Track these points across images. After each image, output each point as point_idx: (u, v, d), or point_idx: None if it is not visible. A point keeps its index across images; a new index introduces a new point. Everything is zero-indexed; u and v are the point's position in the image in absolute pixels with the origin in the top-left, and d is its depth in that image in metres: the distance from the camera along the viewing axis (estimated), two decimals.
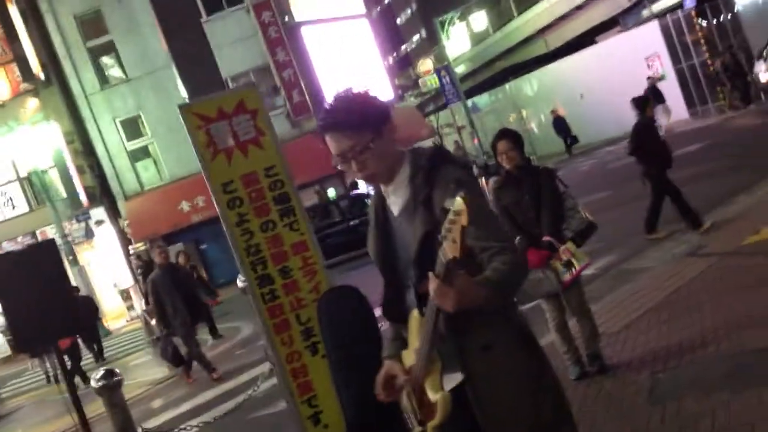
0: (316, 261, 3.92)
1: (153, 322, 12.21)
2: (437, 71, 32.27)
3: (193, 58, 4.53)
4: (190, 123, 3.80)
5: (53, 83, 25.75)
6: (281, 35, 25.21)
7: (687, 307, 6.19)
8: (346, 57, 26.58)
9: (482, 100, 38.01)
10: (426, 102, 37.18)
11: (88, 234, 25.36)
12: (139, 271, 21.20)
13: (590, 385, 5.32)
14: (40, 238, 25.57)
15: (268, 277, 3.84)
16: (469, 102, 33.73)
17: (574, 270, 5.27)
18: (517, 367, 2.37)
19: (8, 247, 26.84)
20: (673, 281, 7.08)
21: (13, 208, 26.49)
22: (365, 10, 29.19)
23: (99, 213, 25.39)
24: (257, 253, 3.80)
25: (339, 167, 2.48)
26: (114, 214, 25.58)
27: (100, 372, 4.74)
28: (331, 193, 23.81)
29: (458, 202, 2.07)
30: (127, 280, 23.79)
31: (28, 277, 3.77)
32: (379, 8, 63.19)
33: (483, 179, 21.64)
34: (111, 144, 25.73)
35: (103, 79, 26.33)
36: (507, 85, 35.77)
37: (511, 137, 5.47)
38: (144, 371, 14.16)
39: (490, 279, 2.25)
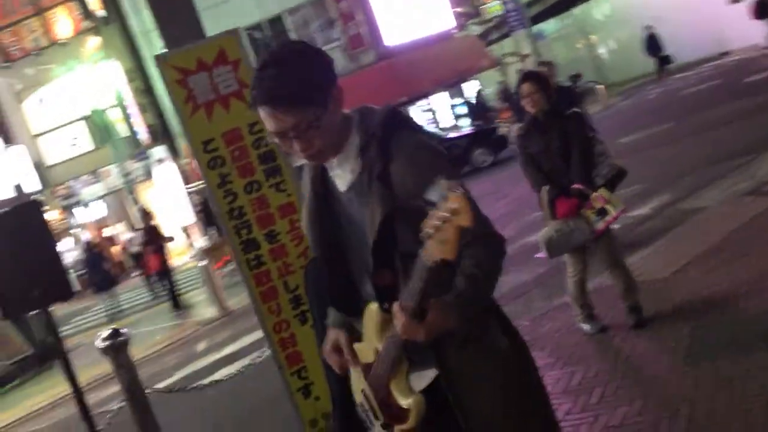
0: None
1: None
2: None
3: None
4: (168, 76, 3.51)
5: (113, 21, 25.79)
6: None
7: (738, 252, 5.77)
8: None
9: (548, 26, 36.57)
10: (489, 30, 35.99)
11: (148, 173, 25.67)
12: (198, 208, 21.41)
13: (625, 340, 5.01)
14: (102, 177, 26.07)
15: (253, 242, 3.57)
16: (534, 29, 32.50)
17: (608, 217, 4.94)
18: (501, 364, 2.06)
19: (73, 185, 27.53)
20: (728, 223, 6.62)
21: (77, 146, 26.96)
22: None
23: (159, 152, 25.62)
24: (241, 217, 3.53)
25: (277, 145, 2.11)
26: (174, 152, 25.80)
27: (107, 331, 4.63)
28: None
29: (454, 197, 1.69)
30: (187, 218, 24.08)
31: (11, 241, 3.61)
32: None
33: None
34: None
35: None
36: (575, 10, 34.29)
37: (536, 79, 5.14)
38: (198, 310, 14.34)
39: (464, 295, 1.93)
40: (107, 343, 4.53)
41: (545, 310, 6.17)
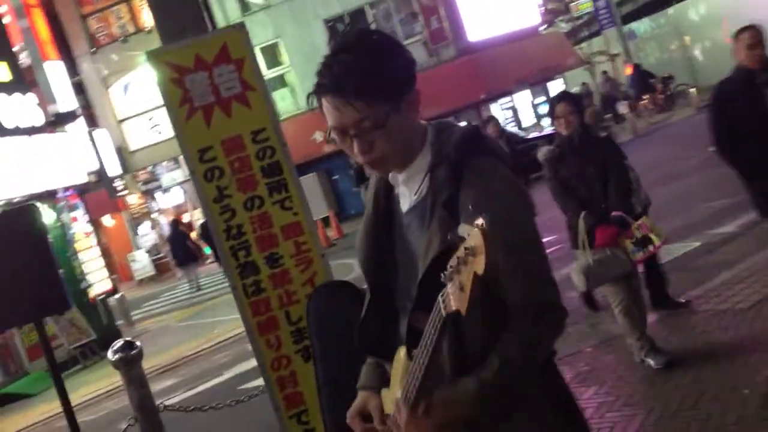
0: (311, 248, 3.14)
1: None
2: None
3: None
4: (162, 74, 3.09)
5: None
6: None
7: None
8: None
9: (641, 26, 35.19)
10: (578, 28, 34.89)
11: None
12: None
13: (698, 379, 4.48)
14: (181, 164, 26.34)
15: (252, 266, 3.13)
16: (625, 28, 31.32)
17: (651, 247, 4.74)
18: None
19: (153, 171, 27.95)
20: None
21: (159, 133, 27.30)
22: None
23: None
24: (239, 236, 3.10)
25: (333, 143, 1.79)
26: None
27: (118, 343, 4.32)
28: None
29: (475, 234, 1.39)
30: None
31: (5, 247, 3.32)
32: None
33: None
34: None
35: (245, 6, 26.28)
36: (670, 10, 32.85)
37: (571, 100, 4.94)
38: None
39: (491, 383, 1.60)
40: (118, 356, 4.22)
41: (612, 335, 5.61)
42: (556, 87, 27.72)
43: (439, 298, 1.49)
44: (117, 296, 17.29)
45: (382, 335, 1.87)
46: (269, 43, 25.62)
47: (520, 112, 26.11)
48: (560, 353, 1.87)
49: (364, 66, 1.67)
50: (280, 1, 25.50)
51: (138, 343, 4.30)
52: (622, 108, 25.03)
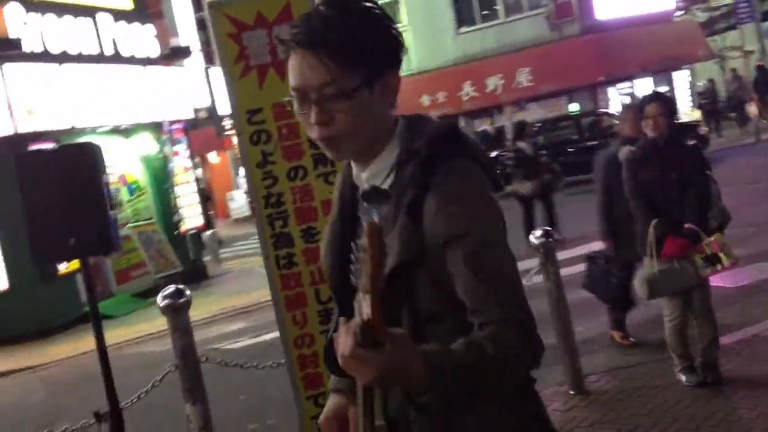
0: None
1: None
2: None
3: None
4: (220, 27, 2.96)
5: None
6: None
7: None
8: None
9: None
10: (715, 19, 33.05)
11: None
12: None
13: (728, 400, 4.51)
14: None
15: (287, 237, 3.00)
16: (766, 25, 29.49)
17: (719, 266, 4.55)
18: None
19: None
20: None
21: None
22: None
23: None
24: (278, 205, 2.98)
25: (289, 107, 1.59)
26: None
27: (169, 289, 4.31)
28: (574, 107, 22.08)
29: (366, 228, 1.23)
30: None
31: (59, 182, 3.32)
32: None
33: None
34: None
35: None
36: None
37: (664, 101, 4.70)
38: None
39: (453, 357, 1.34)
40: (167, 302, 4.21)
41: None
42: (681, 78, 26.47)
43: (355, 305, 1.34)
44: (209, 233, 17.72)
45: None
46: (390, 0, 25.40)
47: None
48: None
49: (346, 23, 1.49)
50: None
51: (188, 293, 4.27)
52: (751, 109, 23.65)
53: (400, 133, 1.59)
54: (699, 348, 4.84)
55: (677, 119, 4.90)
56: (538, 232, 5.39)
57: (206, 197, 19.36)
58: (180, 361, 4.30)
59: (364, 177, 1.61)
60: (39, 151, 3.35)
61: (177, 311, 4.23)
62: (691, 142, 4.93)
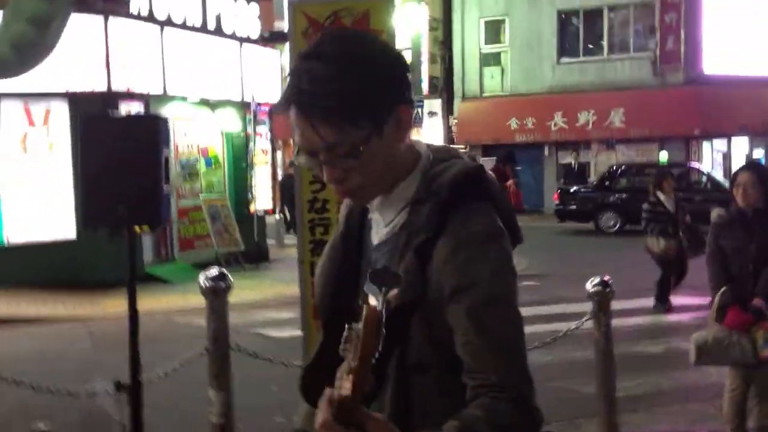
0: None
1: None
2: None
3: None
4: (297, 24, 2.90)
5: None
6: None
7: None
8: (748, 12, 23.18)
9: None
10: None
11: (417, 121, 25.89)
12: None
13: None
14: None
15: (325, 246, 2.93)
16: None
17: None
18: None
19: None
20: None
21: None
22: None
23: (434, 105, 25.71)
24: (322, 212, 2.92)
25: (299, 163, 1.49)
26: (447, 110, 25.74)
27: (213, 271, 4.34)
28: (664, 156, 21.52)
29: (366, 310, 1.15)
30: None
31: (119, 149, 3.36)
32: None
33: None
34: (468, 42, 25.61)
35: None
36: None
37: (758, 171, 4.59)
38: None
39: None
40: (209, 284, 4.24)
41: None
42: None
43: (337, 374, 1.25)
44: (277, 217, 17.95)
45: (324, 379, 1.54)
46: (496, 18, 25.29)
47: (732, 160, 24.29)
48: None
49: (337, 80, 1.34)
50: None
51: (230, 279, 4.29)
52: None
53: (423, 167, 1.48)
54: (755, 425, 4.66)
55: None
56: (596, 280, 5.21)
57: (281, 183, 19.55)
58: (211, 345, 4.32)
59: (376, 204, 1.50)
60: (106, 115, 3.40)
61: (216, 294, 4.25)
62: None
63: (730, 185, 4.77)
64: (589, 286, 5.12)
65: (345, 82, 1.34)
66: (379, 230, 1.52)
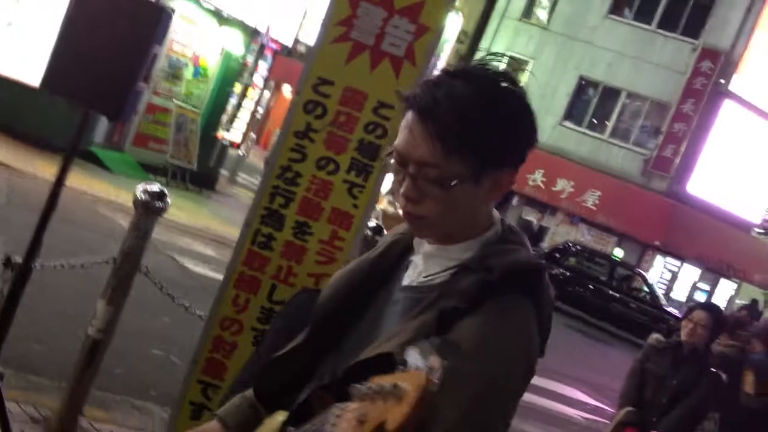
0: (344, 249, 2.69)
1: None
2: None
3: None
4: None
5: None
6: (704, 91, 22.86)
7: None
8: (744, 154, 23.60)
9: None
10: None
11: None
12: None
13: None
14: None
15: (279, 218, 2.67)
16: None
17: None
18: None
19: None
20: None
21: None
22: None
23: None
24: (291, 183, 2.65)
25: (385, 164, 1.52)
26: None
27: (154, 187, 4.03)
28: (619, 252, 21.74)
29: (415, 377, 1.09)
30: None
31: (108, 27, 3.06)
32: None
33: None
34: None
35: (528, 10, 25.95)
36: None
37: (716, 317, 4.57)
38: None
39: None
40: (144, 198, 3.92)
41: None
42: (725, 288, 25.99)
43: (334, 410, 1.17)
44: (240, 152, 17.55)
45: (287, 382, 1.52)
46: (521, 57, 25.19)
47: (678, 282, 24.64)
48: None
49: (475, 108, 1.28)
50: (559, 31, 25.01)
51: (168, 201, 4.00)
52: None
53: (488, 238, 1.39)
54: None
55: (717, 338, 4.79)
56: None
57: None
58: (119, 258, 4.03)
59: (424, 248, 1.42)
60: None
61: (147, 211, 3.95)
62: (715, 372, 4.65)
63: (683, 316, 4.73)
64: None
65: (478, 118, 1.28)
66: (414, 274, 1.43)
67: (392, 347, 1.27)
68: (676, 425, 4.43)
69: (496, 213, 1.44)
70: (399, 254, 1.50)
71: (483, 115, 1.28)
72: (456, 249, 1.38)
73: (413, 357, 1.21)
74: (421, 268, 1.42)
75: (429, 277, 1.40)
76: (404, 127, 1.33)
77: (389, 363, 1.24)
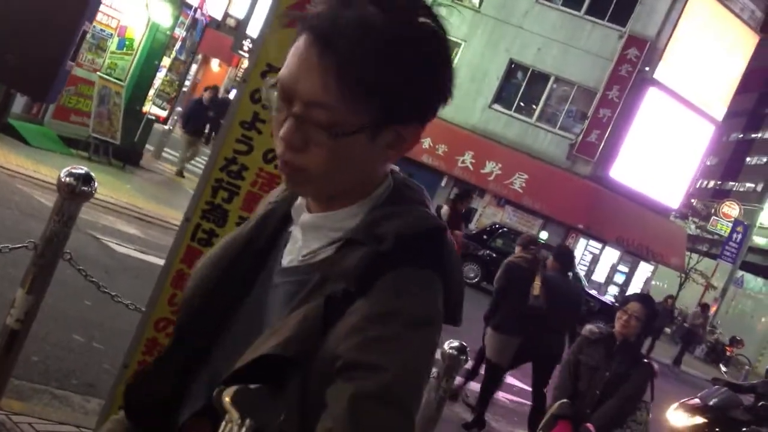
0: None
1: None
2: (736, 223, 28.97)
3: None
4: None
5: None
6: (630, 78, 23.35)
7: None
8: (666, 140, 24.29)
9: (756, 283, 33.91)
10: (700, 239, 33.79)
11: None
12: None
13: None
14: None
15: (222, 214, 2.50)
16: (740, 272, 30.18)
17: None
18: None
19: None
20: None
21: None
22: (721, 119, 26.43)
23: None
24: (236, 177, 2.48)
25: (262, 96, 1.22)
26: None
27: (80, 170, 3.78)
28: (544, 235, 22.10)
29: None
30: None
31: (37, 2, 2.84)
32: (740, 136, 58.33)
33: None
34: None
35: None
36: None
37: (650, 308, 4.61)
38: None
39: None
40: (68, 181, 3.68)
41: None
42: (643, 270, 26.78)
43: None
44: (166, 127, 17.05)
45: (159, 400, 1.27)
46: (453, 39, 25.10)
47: (599, 265, 25.26)
48: None
49: (388, 43, 1.03)
50: (491, 14, 25.10)
51: (95, 185, 3.76)
52: (700, 353, 22.33)
53: (376, 198, 1.16)
54: None
55: (651, 328, 4.86)
56: (454, 343, 5.00)
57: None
58: (41, 245, 3.79)
59: (303, 221, 1.19)
60: None
61: (72, 196, 3.72)
62: (647, 362, 4.71)
63: (618, 306, 4.78)
64: (446, 347, 4.94)
65: (394, 53, 1.03)
66: (293, 251, 1.19)
67: (272, 348, 1.05)
68: (610, 416, 4.47)
69: (388, 167, 1.18)
70: (276, 226, 1.26)
71: (395, 53, 1.04)
72: (340, 215, 1.16)
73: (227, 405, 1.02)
74: (301, 242, 1.18)
75: (310, 254, 1.16)
76: (294, 54, 1.07)
77: (273, 367, 1.05)
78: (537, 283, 6.74)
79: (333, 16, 1.04)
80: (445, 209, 12.51)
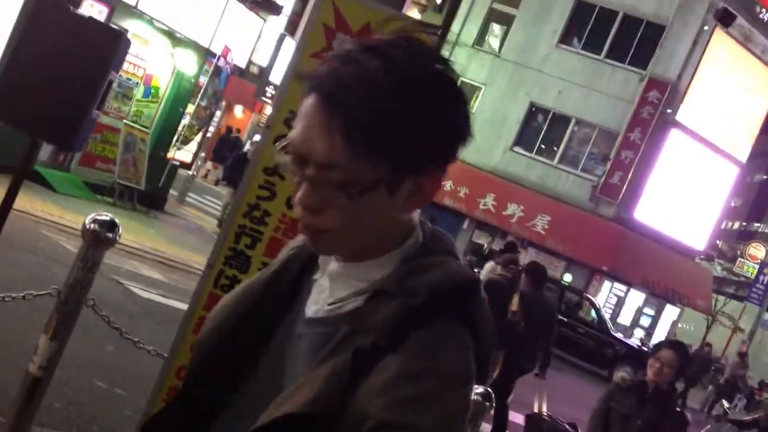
0: None
1: None
2: (762, 264, 28.56)
3: None
4: (321, 14, 2.38)
5: None
6: (651, 121, 23.31)
7: None
8: (690, 182, 24.13)
9: None
10: (727, 281, 33.32)
11: None
12: None
13: None
14: None
15: (245, 260, 2.50)
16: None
17: None
18: None
19: None
20: None
21: None
22: (744, 161, 26.24)
23: None
24: (259, 223, 2.49)
25: (279, 159, 1.11)
26: None
27: (104, 217, 3.82)
28: (568, 278, 21.89)
29: None
30: None
31: (64, 52, 2.89)
32: (765, 177, 57.84)
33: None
34: None
35: (480, 37, 26.22)
36: None
37: (683, 355, 4.56)
38: None
39: None
40: (93, 227, 3.72)
41: None
42: (669, 313, 26.42)
43: None
44: (190, 172, 17.22)
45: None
46: (474, 83, 25.38)
47: (624, 307, 24.96)
48: None
49: (393, 95, 1.01)
50: (510, 59, 25.28)
51: (119, 232, 3.79)
52: (741, 405, 20.77)
53: (406, 250, 1.12)
54: None
55: (685, 374, 4.76)
56: None
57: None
58: (65, 292, 3.81)
59: (330, 269, 1.15)
60: (64, 6, 2.90)
61: (97, 242, 3.75)
62: (680, 411, 4.65)
63: (650, 354, 4.71)
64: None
65: (400, 106, 1.01)
66: (319, 300, 1.15)
67: (299, 406, 1.01)
68: None
69: (416, 217, 1.16)
70: (299, 272, 1.22)
71: (402, 107, 1.01)
72: (369, 266, 1.12)
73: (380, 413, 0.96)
74: (328, 292, 1.14)
75: (337, 304, 1.12)
76: (303, 115, 1.05)
77: (299, 426, 1.00)
78: (515, 300, 7.19)
79: (338, 75, 1.03)
80: (490, 266, 12.74)
